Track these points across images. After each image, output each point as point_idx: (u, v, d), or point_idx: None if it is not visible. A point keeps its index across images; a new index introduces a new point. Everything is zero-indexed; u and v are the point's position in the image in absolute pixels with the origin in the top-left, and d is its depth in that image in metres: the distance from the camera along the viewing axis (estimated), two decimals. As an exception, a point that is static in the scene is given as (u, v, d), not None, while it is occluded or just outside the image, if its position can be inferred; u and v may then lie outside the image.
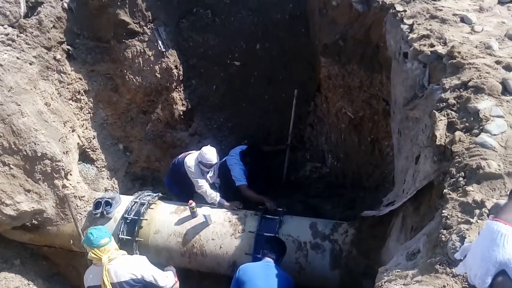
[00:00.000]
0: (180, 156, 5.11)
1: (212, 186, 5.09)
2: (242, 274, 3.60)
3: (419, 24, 3.34)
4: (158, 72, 5.71)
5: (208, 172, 4.93)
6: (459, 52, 2.84)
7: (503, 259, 1.18)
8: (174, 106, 5.98)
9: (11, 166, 4.47)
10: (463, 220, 1.98)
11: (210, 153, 4.77)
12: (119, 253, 3.48)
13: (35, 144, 4.53)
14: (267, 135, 6.09)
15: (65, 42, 5.23)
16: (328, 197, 5.48)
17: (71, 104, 5.41)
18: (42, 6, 4.91)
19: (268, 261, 3.72)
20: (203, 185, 4.81)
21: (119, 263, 3.39)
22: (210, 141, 6.06)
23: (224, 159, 5.25)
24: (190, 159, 4.88)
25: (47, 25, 4.95)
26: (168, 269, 3.78)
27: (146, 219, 4.73)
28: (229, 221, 4.58)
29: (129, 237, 4.65)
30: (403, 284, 2.01)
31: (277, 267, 3.70)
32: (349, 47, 4.49)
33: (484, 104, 2.45)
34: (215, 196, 4.83)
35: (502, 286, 1.18)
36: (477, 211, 1.99)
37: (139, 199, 4.95)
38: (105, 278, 3.35)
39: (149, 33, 5.57)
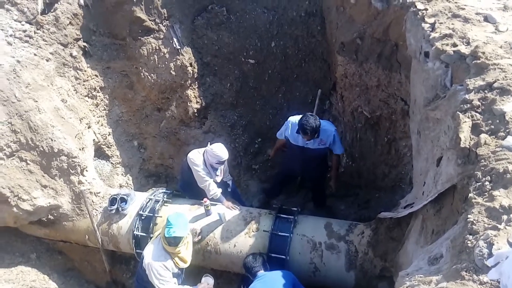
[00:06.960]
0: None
1: (221, 184, 4.92)
2: None
3: (441, 23, 3.28)
4: (173, 69, 5.72)
5: (216, 170, 4.71)
6: (483, 52, 2.77)
7: None
8: (188, 104, 5.99)
9: (28, 161, 4.50)
10: (490, 225, 1.93)
11: (219, 149, 4.53)
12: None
13: (51, 140, 4.56)
14: (280, 134, 6.05)
15: (81, 39, 5.24)
16: (342, 197, 5.44)
17: (87, 101, 5.44)
18: (59, 2, 4.91)
19: (262, 274, 3.90)
20: (207, 180, 4.63)
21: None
22: (223, 139, 6.06)
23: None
24: (194, 152, 4.71)
25: (63, 22, 4.96)
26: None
27: (161, 216, 4.73)
28: (244, 220, 4.57)
29: (144, 234, 4.65)
30: (427, 290, 1.97)
31: (270, 272, 3.90)
32: (366, 46, 4.43)
33: (510, 106, 2.39)
34: (217, 192, 4.69)
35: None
36: (504, 217, 1.93)
37: (154, 196, 4.96)
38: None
39: (164, 31, 5.57)
